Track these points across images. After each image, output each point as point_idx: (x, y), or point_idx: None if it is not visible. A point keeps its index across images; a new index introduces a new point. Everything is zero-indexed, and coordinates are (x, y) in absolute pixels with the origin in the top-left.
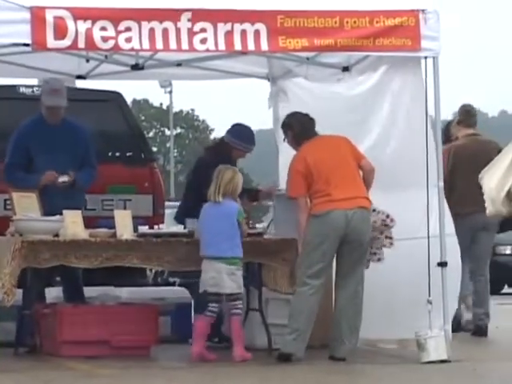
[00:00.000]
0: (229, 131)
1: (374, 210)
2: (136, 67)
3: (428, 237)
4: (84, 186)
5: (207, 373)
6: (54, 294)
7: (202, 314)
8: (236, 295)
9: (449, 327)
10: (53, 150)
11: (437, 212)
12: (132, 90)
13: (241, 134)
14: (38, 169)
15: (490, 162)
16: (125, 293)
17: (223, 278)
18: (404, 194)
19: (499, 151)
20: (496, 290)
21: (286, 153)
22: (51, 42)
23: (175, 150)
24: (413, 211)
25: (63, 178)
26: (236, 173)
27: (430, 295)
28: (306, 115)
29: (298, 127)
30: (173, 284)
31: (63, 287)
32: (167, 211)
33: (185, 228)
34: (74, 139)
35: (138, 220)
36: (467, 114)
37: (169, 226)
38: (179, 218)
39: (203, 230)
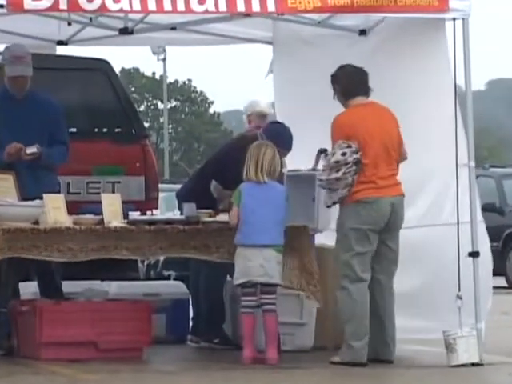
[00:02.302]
0: (265, 129)
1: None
2: (125, 31)
3: (458, 223)
4: (51, 162)
5: (205, 376)
6: (31, 289)
7: (241, 313)
8: (275, 287)
9: (481, 326)
10: (17, 126)
11: (467, 196)
12: (121, 57)
13: (277, 136)
14: (2, 146)
15: None
16: (113, 288)
17: (273, 266)
18: (428, 176)
19: None
20: None
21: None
22: (28, 2)
23: (170, 126)
24: (439, 195)
25: (31, 149)
26: (276, 151)
27: (459, 289)
28: (359, 68)
29: (345, 81)
30: (168, 278)
31: (38, 281)
32: (161, 195)
33: (181, 214)
34: (41, 113)
35: (128, 205)
36: None
37: (163, 211)
38: (182, 197)
39: (249, 215)
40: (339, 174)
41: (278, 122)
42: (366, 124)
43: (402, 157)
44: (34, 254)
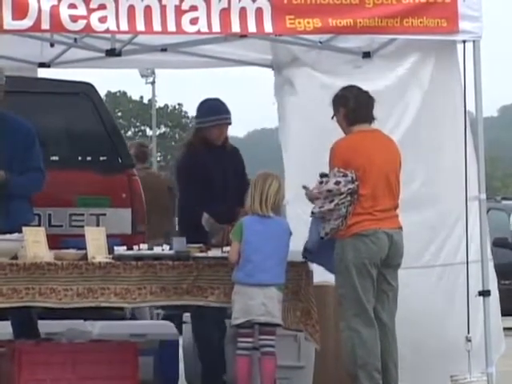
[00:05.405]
0: (195, 117)
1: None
2: (112, 53)
3: (467, 262)
4: (23, 191)
5: None
6: (6, 329)
7: (236, 355)
8: (276, 327)
9: (493, 370)
10: None
11: (477, 231)
12: (106, 80)
13: (203, 109)
14: None
15: None
16: (97, 328)
17: (275, 305)
18: (436, 210)
19: None
20: None
21: (293, 156)
22: (9, 22)
23: (158, 154)
24: (447, 231)
25: None
26: (281, 183)
27: (468, 331)
28: (366, 92)
29: (353, 103)
30: (156, 317)
31: (11, 320)
32: None
33: (171, 249)
34: (11, 136)
35: (113, 239)
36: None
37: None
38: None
39: (253, 252)
40: (331, 206)
41: (201, 101)
42: (366, 152)
43: None
44: (13, 301)
